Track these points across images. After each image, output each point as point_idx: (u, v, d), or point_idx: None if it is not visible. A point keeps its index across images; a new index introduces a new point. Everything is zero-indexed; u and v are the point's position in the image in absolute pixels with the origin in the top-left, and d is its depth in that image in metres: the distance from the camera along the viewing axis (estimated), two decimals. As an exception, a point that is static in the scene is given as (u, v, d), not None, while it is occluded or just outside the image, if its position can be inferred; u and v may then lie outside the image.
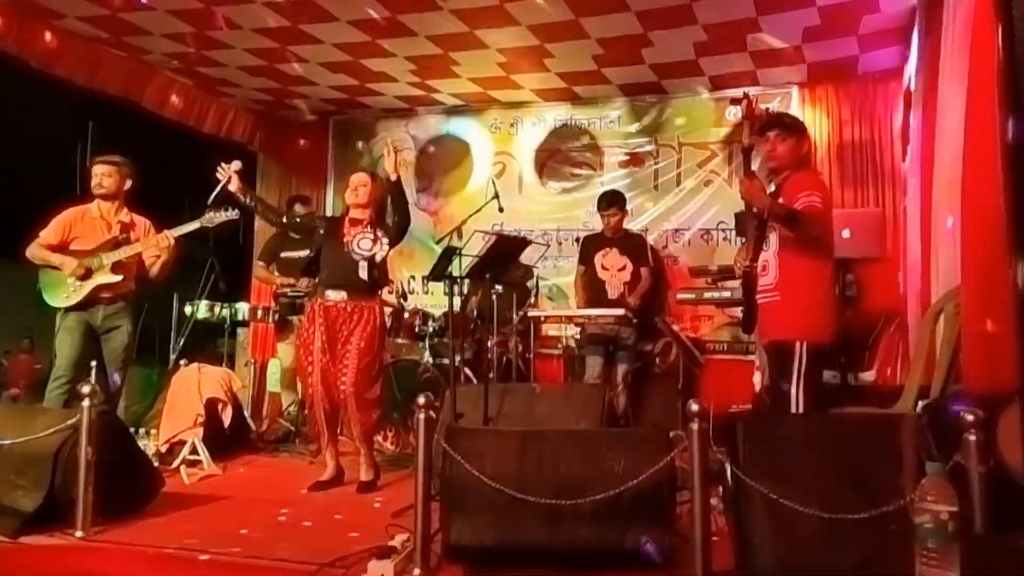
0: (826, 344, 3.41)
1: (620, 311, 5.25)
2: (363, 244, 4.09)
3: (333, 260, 4.12)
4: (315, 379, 3.99)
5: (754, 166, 3.83)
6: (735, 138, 6.42)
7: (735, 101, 3.59)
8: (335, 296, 4.05)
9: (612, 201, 5.69)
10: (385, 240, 4.14)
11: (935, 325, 3.84)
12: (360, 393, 3.94)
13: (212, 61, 6.01)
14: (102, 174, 4.47)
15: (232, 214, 4.53)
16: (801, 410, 3.26)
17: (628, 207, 5.88)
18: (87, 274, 4.29)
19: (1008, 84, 1.72)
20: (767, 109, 3.61)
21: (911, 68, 5.21)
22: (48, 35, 5.25)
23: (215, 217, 4.47)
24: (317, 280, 4.28)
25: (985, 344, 3.08)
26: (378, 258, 4.13)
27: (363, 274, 4.07)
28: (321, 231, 4.24)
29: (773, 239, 3.43)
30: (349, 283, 4.06)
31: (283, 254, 5.98)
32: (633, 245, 5.74)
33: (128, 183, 4.54)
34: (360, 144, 7.55)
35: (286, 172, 7.65)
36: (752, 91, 6.26)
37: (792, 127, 3.56)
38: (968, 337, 3.27)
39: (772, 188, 3.54)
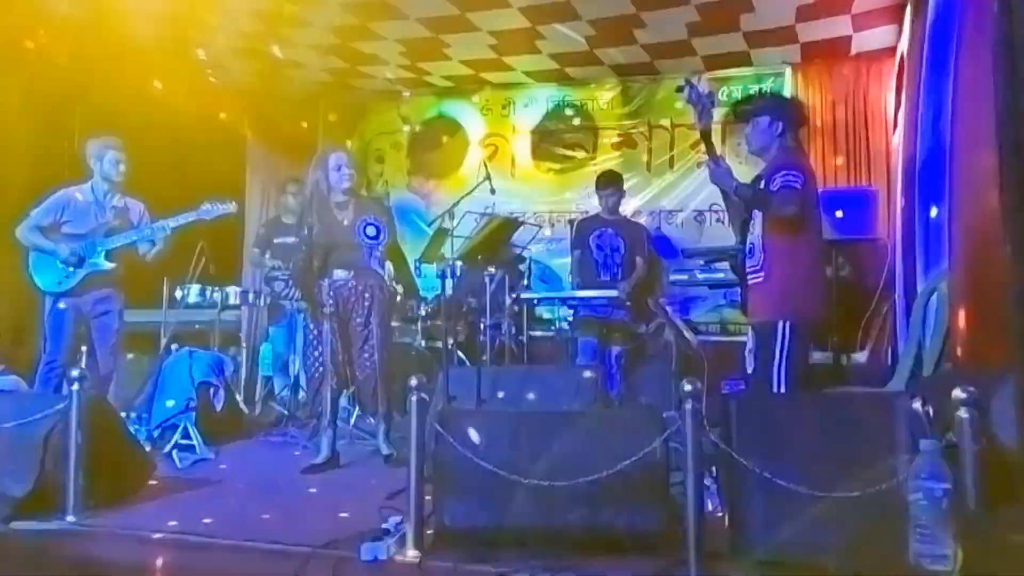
0: (810, 323, 3.40)
1: (613, 292, 5.25)
2: (368, 231, 4.11)
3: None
4: (325, 357, 4.03)
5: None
6: (728, 118, 6.42)
7: (679, 89, 3.52)
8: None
9: (611, 181, 5.70)
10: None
11: (928, 304, 3.85)
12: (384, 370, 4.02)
13: (200, 43, 5.94)
14: (118, 160, 4.42)
15: (229, 207, 4.51)
16: (783, 388, 3.24)
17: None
18: (80, 262, 4.25)
19: (1004, 64, 1.70)
20: (708, 92, 3.53)
21: (903, 47, 5.19)
22: (32, 16, 5.18)
23: (211, 209, 4.46)
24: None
25: (976, 323, 3.09)
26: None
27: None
28: None
29: (757, 220, 3.41)
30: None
31: (276, 240, 5.95)
32: (630, 231, 5.73)
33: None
34: (351, 127, 7.50)
35: (276, 155, 7.59)
36: (741, 71, 6.32)
37: (765, 109, 3.52)
38: (958, 316, 3.27)
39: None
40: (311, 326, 4.13)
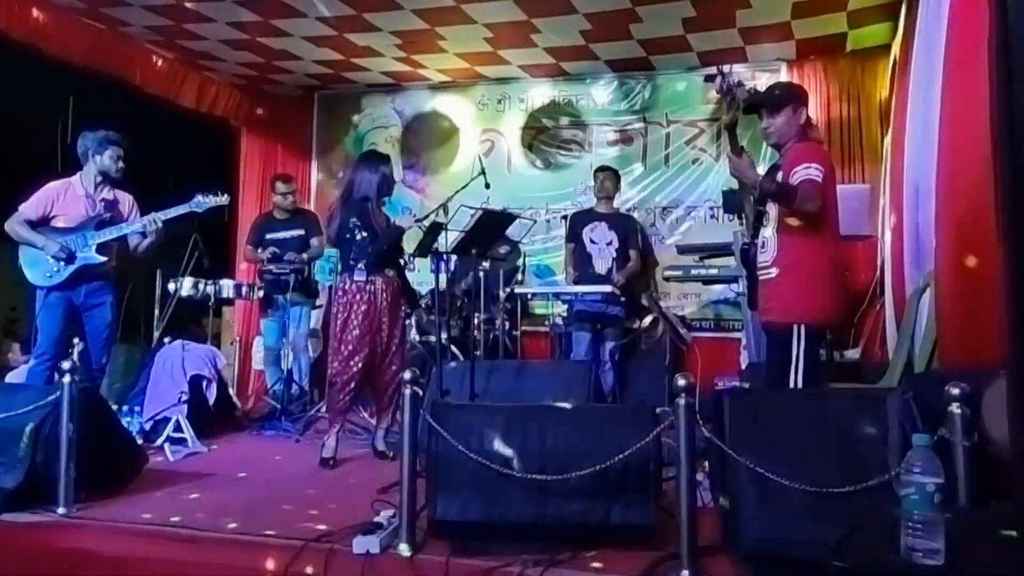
0: (825, 324, 3.30)
1: (607, 288, 5.27)
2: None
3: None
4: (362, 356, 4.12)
5: (743, 141, 3.73)
6: (721, 115, 6.41)
7: (709, 78, 3.40)
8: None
9: (608, 167, 5.86)
10: None
11: (920, 301, 3.86)
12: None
13: (193, 34, 5.91)
14: (119, 155, 4.39)
15: (221, 199, 4.49)
16: None
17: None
18: (70, 258, 4.21)
19: (999, 60, 1.69)
20: (739, 82, 3.35)
21: (897, 45, 5.21)
22: (26, 7, 5.14)
23: (204, 202, 4.43)
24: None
25: (963, 320, 3.09)
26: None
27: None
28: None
29: (772, 215, 3.30)
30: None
31: (269, 235, 5.93)
32: (623, 224, 5.75)
33: None
34: (345, 119, 7.48)
35: (270, 148, 7.58)
36: (737, 67, 6.31)
37: (780, 101, 3.36)
38: (945, 313, 3.27)
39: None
40: (352, 321, 4.12)
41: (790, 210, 3.23)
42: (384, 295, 4.15)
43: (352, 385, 4.12)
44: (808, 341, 3.16)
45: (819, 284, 3.21)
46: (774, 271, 3.30)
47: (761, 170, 3.52)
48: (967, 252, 3.04)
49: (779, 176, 3.30)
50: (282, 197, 5.98)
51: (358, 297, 4.12)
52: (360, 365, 4.09)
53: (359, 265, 4.15)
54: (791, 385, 3.17)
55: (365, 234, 4.14)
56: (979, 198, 2.79)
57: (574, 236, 5.73)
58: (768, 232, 3.33)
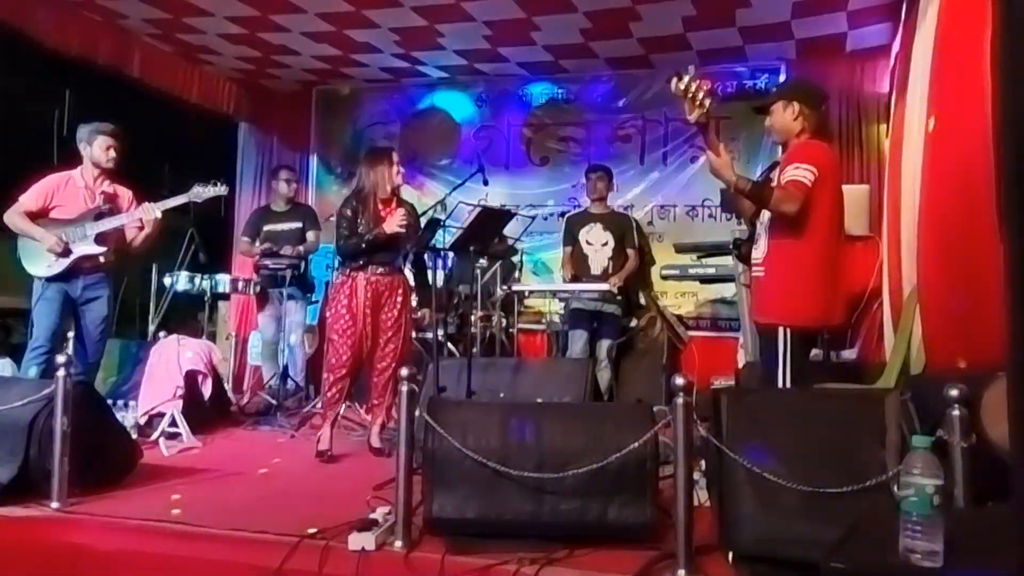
0: (812, 327, 3.23)
1: (604, 286, 5.26)
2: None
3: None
4: (354, 348, 4.10)
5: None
6: (718, 114, 6.41)
7: (669, 80, 3.32)
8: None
9: (600, 165, 5.80)
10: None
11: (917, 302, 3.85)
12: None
13: (191, 28, 5.88)
14: (112, 146, 4.37)
15: (220, 189, 4.47)
16: None
17: (615, 181, 5.89)
18: (65, 252, 4.19)
19: (1003, 55, 1.68)
20: (702, 83, 3.22)
21: (898, 45, 5.20)
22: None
23: (202, 192, 4.41)
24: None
25: (948, 326, 3.08)
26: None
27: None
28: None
29: (765, 212, 3.25)
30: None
31: (266, 227, 5.92)
32: (618, 223, 5.74)
33: None
34: (343, 115, 7.46)
35: (268, 142, 7.56)
36: (736, 67, 6.31)
37: (773, 97, 3.37)
38: (928, 319, 3.26)
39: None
40: (337, 315, 4.13)
41: (769, 210, 3.19)
42: (366, 291, 4.11)
43: (337, 377, 4.11)
44: (793, 344, 3.10)
45: (804, 286, 3.14)
46: (763, 270, 3.27)
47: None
48: (950, 259, 3.03)
49: (774, 173, 3.28)
50: (285, 184, 5.96)
51: (341, 292, 4.14)
52: (344, 359, 4.09)
53: (347, 261, 4.21)
54: (778, 384, 3.13)
55: (360, 228, 4.14)
56: (963, 203, 2.79)
57: (571, 239, 5.72)
58: (761, 230, 3.30)
